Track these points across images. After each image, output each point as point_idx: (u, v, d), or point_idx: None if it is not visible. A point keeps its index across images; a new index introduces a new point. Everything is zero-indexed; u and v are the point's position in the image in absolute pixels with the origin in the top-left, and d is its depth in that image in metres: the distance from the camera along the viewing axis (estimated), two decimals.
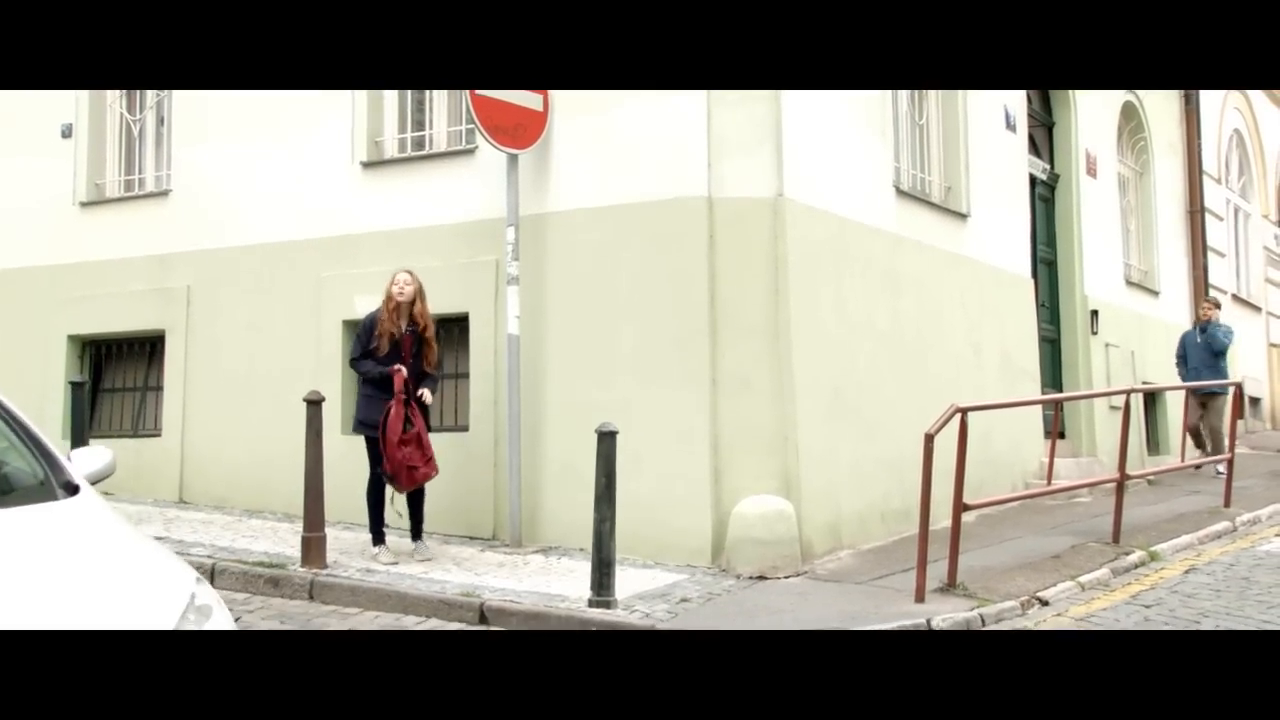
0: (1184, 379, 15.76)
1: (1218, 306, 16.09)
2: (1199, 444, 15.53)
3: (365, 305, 11.48)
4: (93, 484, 5.45)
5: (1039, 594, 9.05)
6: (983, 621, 8.39)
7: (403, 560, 9.90)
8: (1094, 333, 15.52)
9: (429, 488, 10.18)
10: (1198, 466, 14.88)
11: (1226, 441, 13.94)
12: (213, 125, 12.62)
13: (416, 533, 10.16)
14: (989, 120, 13.71)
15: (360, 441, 11.05)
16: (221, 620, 4.43)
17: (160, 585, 4.47)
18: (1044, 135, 15.78)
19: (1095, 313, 15.57)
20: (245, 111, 12.19)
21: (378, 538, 10.02)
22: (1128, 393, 11.98)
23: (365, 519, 10.63)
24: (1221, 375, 15.56)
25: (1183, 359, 15.99)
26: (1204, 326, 15.80)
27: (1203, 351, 15.66)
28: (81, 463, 5.51)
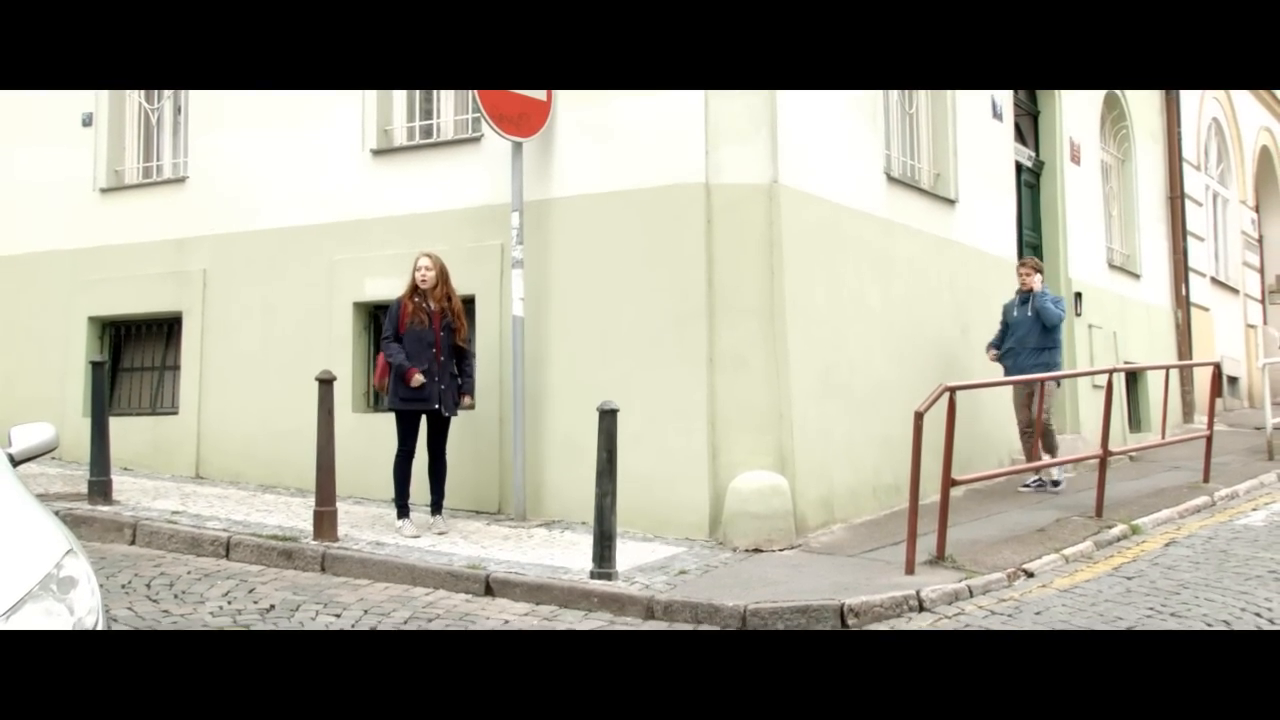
0: (1001, 362, 12.66)
1: (1038, 270, 12.71)
2: (1039, 446, 12.30)
3: (376, 288, 11.51)
4: (31, 458, 5.59)
5: (1025, 566, 9.03)
6: (970, 593, 8.37)
7: (422, 533, 9.90)
8: (1078, 314, 15.45)
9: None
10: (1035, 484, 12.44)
11: (1057, 438, 12.63)
12: (228, 114, 12.57)
13: (437, 507, 10.17)
14: (976, 110, 13.66)
15: (370, 420, 11.09)
16: (84, 594, 4.33)
17: (24, 553, 4.40)
18: (1029, 124, 15.73)
19: (1079, 295, 15.52)
20: (259, 101, 12.12)
21: (402, 511, 10.03)
22: (1110, 372, 11.95)
23: (376, 494, 10.69)
24: (1050, 355, 12.41)
25: (1003, 333, 12.78)
26: (1026, 295, 12.51)
27: (1027, 326, 12.41)
28: (20, 438, 5.59)
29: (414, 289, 10.10)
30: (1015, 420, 12.65)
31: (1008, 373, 12.46)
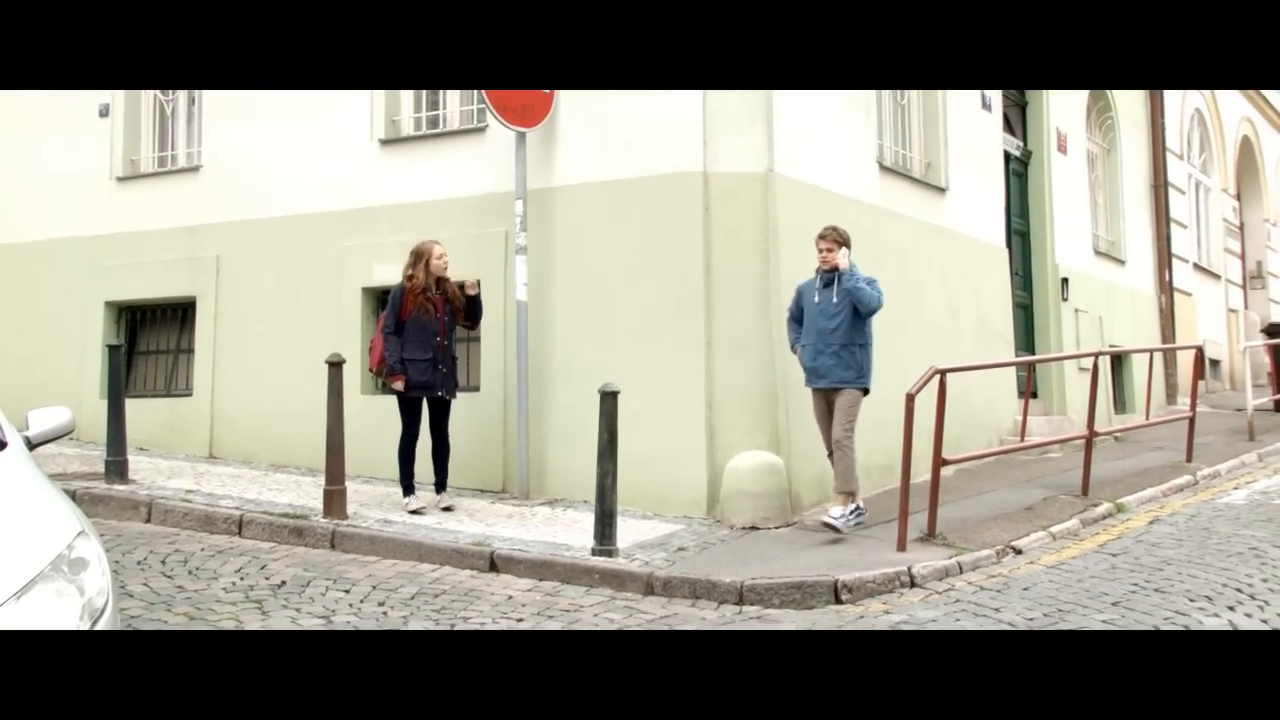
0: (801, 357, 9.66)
1: (843, 243, 9.45)
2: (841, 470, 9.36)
3: (383, 273, 11.49)
4: (48, 441, 5.57)
5: (1013, 543, 9.02)
6: (960, 569, 8.36)
7: (429, 509, 9.90)
8: (1064, 299, 15.44)
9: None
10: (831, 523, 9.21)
11: (855, 470, 9.29)
12: (241, 105, 12.52)
13: (441, 486, 10.12)
14: (966, 101, 13.61)
15: (378, 401, 11.07)
16: (95, 575, 4.31)
17: (36, 534, 4.38)
18: (1018, 114, 15.67)
19: (1065, 280, 15.49)
20: (272, 93, 12.07)
21: (408, 489, 9.97)
22: (1096, 355, 11.95)
23: (383, 474, 10.68)
24: (860, 357, 9.36)
25: (797, 321, 9.70)
26: (830, 276, 9.43)
27: (833, 316, 9.33)
28: (37, 421, 5.57)
29: (422, 277, 9.97)
30: (823, 433, 9.65)
31: (807, 376, 9.58)
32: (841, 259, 9.40)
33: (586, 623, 7.30)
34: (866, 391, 9.46)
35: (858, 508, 9.33)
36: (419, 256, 10.03)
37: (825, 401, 9.50)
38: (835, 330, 9.35)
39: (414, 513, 9.78)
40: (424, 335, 9.88)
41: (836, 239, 9.44)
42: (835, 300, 9.37)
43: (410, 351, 9.85)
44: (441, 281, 10.06)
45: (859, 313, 9.32)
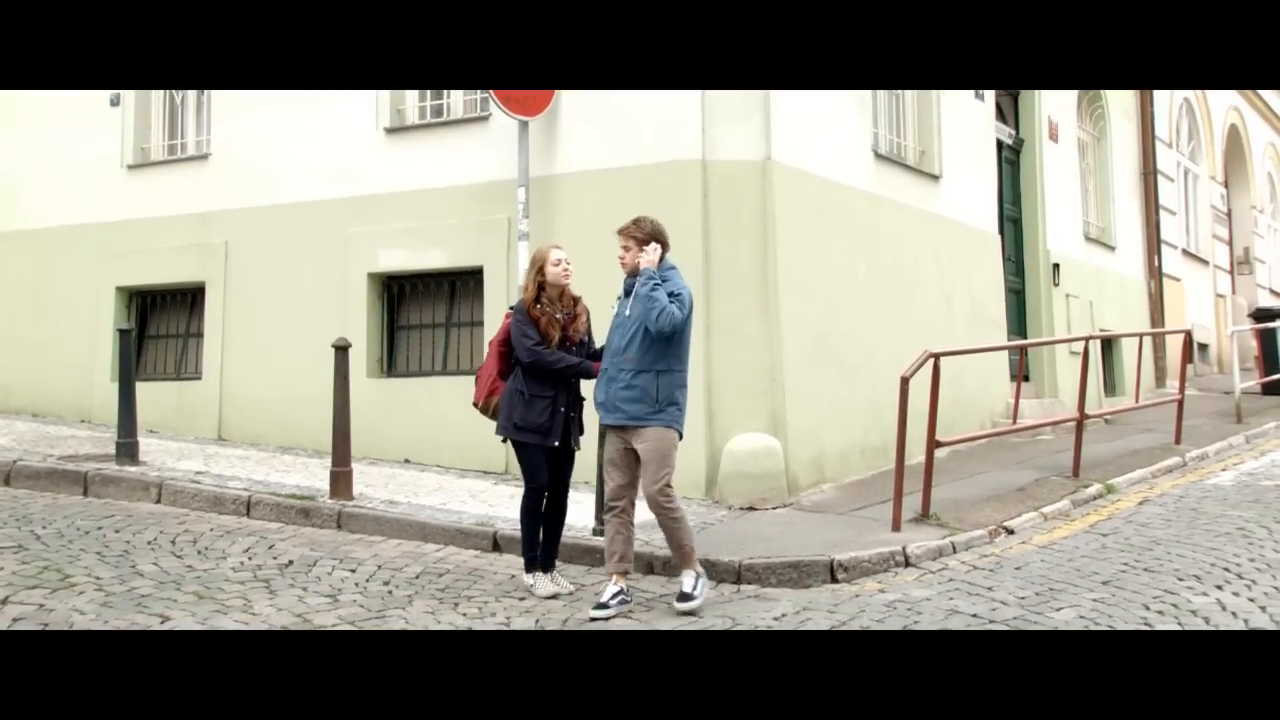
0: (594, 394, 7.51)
1: (651, 237, 7.35)
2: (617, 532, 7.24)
3: (389, 259, 11.47)
4: None
5: (1005, 523, 8.99)
6: (954, 549, 8.34)
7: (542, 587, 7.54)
8: (1055, 284, 15.40)
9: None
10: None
11: (688, 527, 7.21)
12: (249, 95, 12.45)
13: (549, 561, 7.64)
14: (960, 91, 13.56)
15: (383, 385, 11.01)
16: None
17: None
18: (1010, 104, 15.62)
19: (1056, 266, 15.45)
20: None
21: (530, 563, 7.55)
22: (1086, 339, 11.92)
23: (388, 455, 10.67)
24: (658, 380, 7.08)
25: None
26: (631, 284, 7.36)
27: (624, 330, 7.24)
28: None
29: (539, 291, 7.60)
30: (610, 482, 7.29)
31: (599, 411, 7.30)
32: (645, 257, 7.25)
33: (587, 601, 7.28)
34: (679, 434, 7.24)
35: (620, 592, 7.06)
36: (532, 263, 7.74)
37: (621, 443, 7.18)
38: (628, 350, 7.14)
39: (549, 597, 7.39)
40: (547, 372, 7.50)
41: (634, 234, 7.31)
42: (629, 313, 7.21)
43: (529, 385, 7.50)
44: (564, 295, 7.68)
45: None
